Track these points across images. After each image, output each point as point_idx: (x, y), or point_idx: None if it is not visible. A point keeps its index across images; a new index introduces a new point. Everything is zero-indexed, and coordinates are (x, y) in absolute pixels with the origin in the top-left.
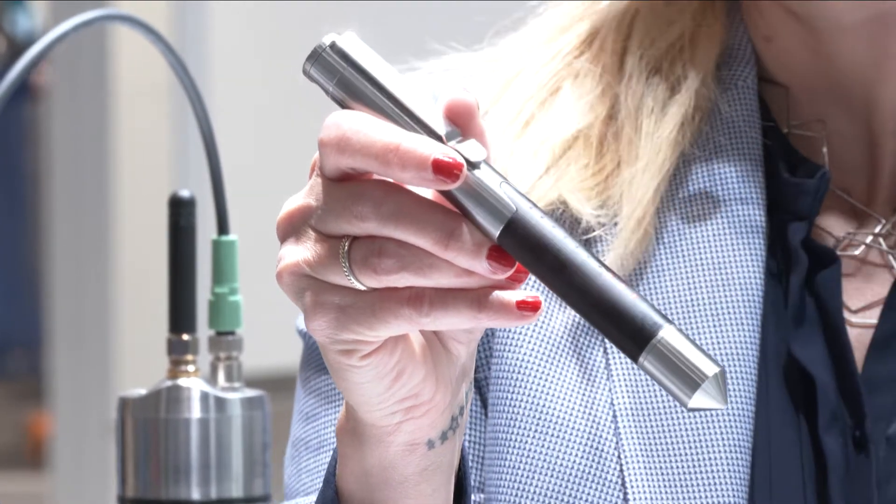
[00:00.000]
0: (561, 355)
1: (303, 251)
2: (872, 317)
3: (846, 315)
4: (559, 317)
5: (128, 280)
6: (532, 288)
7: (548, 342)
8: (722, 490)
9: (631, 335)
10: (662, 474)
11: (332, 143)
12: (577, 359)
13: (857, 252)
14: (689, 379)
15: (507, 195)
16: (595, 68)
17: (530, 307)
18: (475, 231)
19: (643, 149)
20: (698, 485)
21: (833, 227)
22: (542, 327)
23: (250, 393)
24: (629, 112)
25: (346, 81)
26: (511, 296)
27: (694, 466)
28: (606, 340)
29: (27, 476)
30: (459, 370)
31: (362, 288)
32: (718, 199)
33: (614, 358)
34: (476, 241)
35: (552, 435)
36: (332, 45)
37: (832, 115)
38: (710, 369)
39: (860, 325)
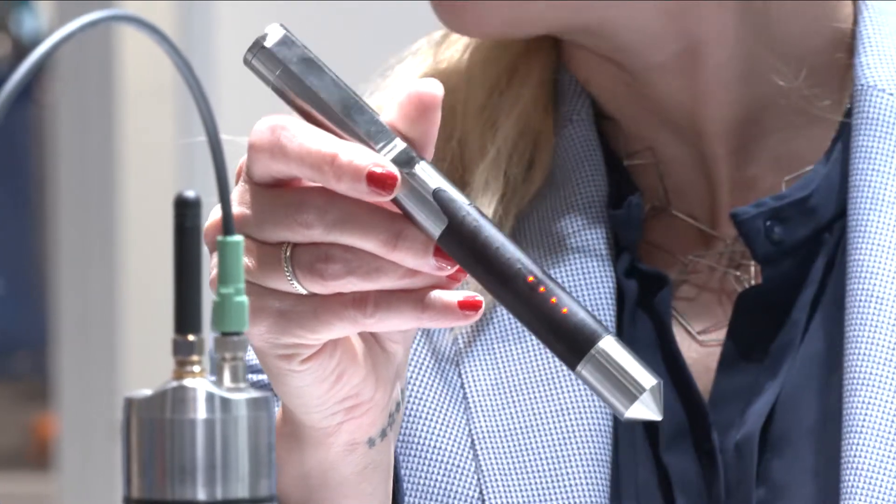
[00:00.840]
0: (425, 378)
1: None
2: (722, 335)
3: (696, 335)
4: (423, 341)
5: (133, 281)
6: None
7: (414, 365)
8: (581, 502)
9: (569, 344)
10: (522, 491)
11: (264, 147)
12: (441, 383)
13: (699, 275)
14: (627, 390)
15: (440, 204)
16: None
17: (472, 307)
18: (419, 231)
19: (476, 184)
20: (558, 498)
21: (678, 250)
22: (411, 349)
23: (256, 394)
24: (456, 154)
25: (287, 75)
26: (453, 296)
27: (554, 481)
28: (460, 368)
29: (33, 477)
30: (395, 368)
31: (303, 292)
32: (565, 232)
33: (469, 385)
34: (422, 241)
35: (413, 455)
36: (271, 41)
37: (664, 143)
38: (647, 381)
39: (709, 343)
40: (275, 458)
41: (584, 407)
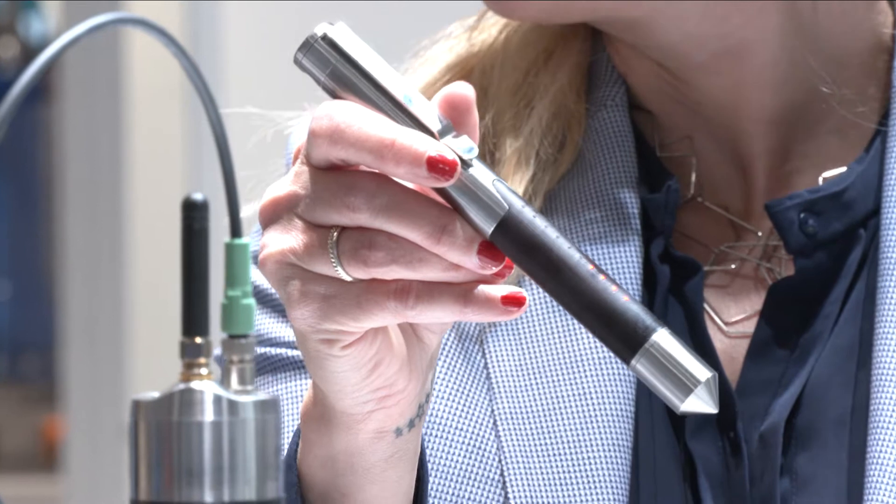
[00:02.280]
0: (448, 359)
1: (288, 240)
2: (749, 327)
3: (722, 325)
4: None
5: (141, 283)
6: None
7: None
8: (601, 487)
9: (623, 338)
10: (543, 473)
11: (324, 133)
12: (464, 363)
13: (733, 266)
14: (682, 384)
15: (500, 193)
16: None
17: (515, 302)
18: (466, 226)
19: (507, 162)
20: (579, 482)
21: (710, 241)
22: None
23: (263, 396)
24: (489, 131)
25: (339, 73)
26: (497, 290)
27: (575, 465)
28: (484, 347)
29: (41, 479)
30: (429, 359)
31: (348, 279)
32: (593, 214)
33: (492, 365)
34: (467, 237)
35: (435, 435)
36: (324, 36)
37: (700, 137)
38: (702, 374)
39: (738, 335)
40: (282, 461)
41: (606, 391)
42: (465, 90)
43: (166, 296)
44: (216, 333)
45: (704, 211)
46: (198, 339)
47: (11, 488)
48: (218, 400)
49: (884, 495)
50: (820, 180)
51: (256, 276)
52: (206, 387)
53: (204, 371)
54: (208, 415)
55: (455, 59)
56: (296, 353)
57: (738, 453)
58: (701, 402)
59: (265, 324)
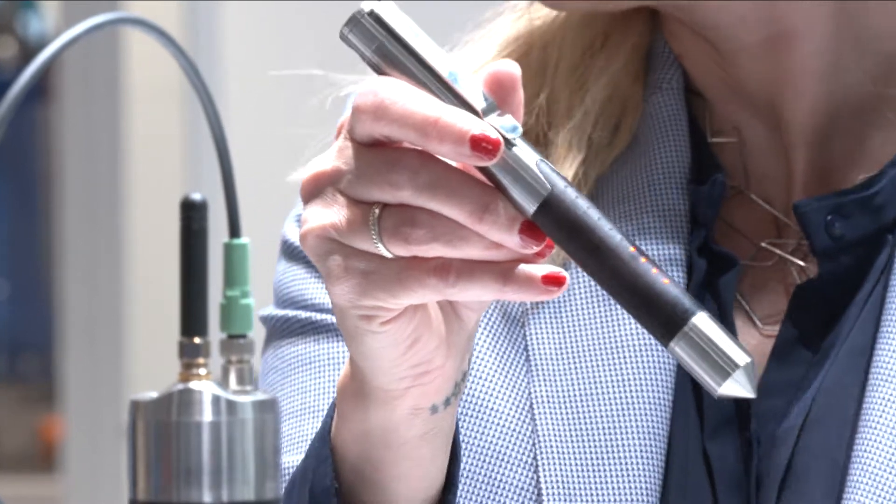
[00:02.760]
0: (490, 338)
1: (330, 215)
2: (779, 326)
3: (758, 322)
4: (494, 302)
5: (140, 283)
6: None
7: (481, 326)
8: (635, 475)
9: (662, 320)
10: (576, 458)
11: (368, 109)
12: (506, 343)
13: (769, 263)
14: (720, 367)
15: (543, 174)
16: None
17: (556, 282)
18: (508, 205)
19: (560, 144)
20: (612, 470)
21: (752, 235)
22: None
23: (262, 396)
24: (542, 110)
25: (385, 49)
26: (538, 270)
27: (608, 452)
28: (525, 329)
29: (39, 479)
30: (467, 337)
31: (389, 255)
32: (644, 200)
33: (533, 347)
34: (509, 216)
35: (471, 415)
36: (371, 12)
37: (748, 126)
38: (741, 358)
39: (767, 333)
40: (281, 461)
41: (645, 379)
42: (511, 68)
43: (165, 296)
44: (215, 334)
45: (749, 203)
46: (196, 339)
47: (9, 488)
48: (217, 400)
49: (861, 495)
50: (859, 178)
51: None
52: (205, 387)
53: (203, 371)
54: (207, 415)
55: (515, 34)
56: None
57: (750, 454)
58: (738, 387)
59: (310, 288)
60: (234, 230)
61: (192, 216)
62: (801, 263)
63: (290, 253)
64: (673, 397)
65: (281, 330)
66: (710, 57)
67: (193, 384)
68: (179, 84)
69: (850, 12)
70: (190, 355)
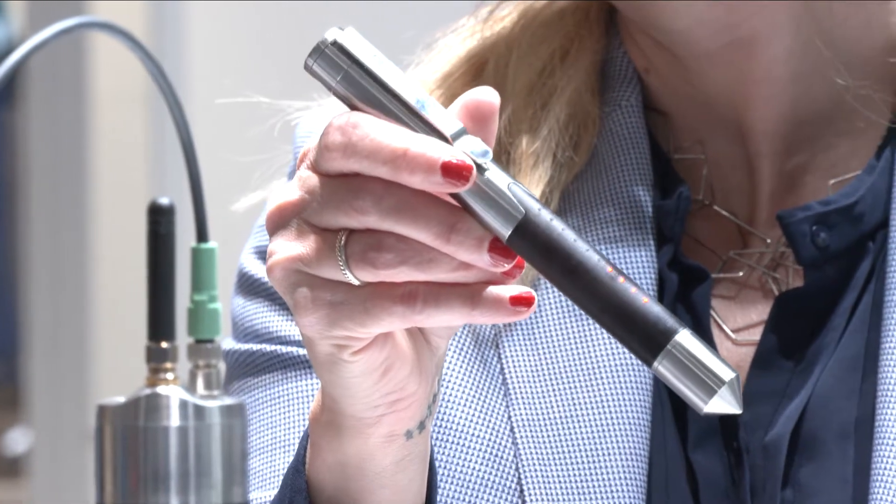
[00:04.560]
0: (464, 363)
1: (296, 246)
2: (755, 336)
3: (730, 333)
4: (464, 325)
5: (106, 287)
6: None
7: (454, 350)
8: (619, 496)
9: (645, 340)
10: (560, 482)
11: (337, 147)
12: (481, 367)
13: (740, 273)
14: (705, 384)
15: (516, 197)
16: None
17: (524, 303)
18: (476, 225)
19: (524, 163)
20: (596, 492)
21: (719, 247)
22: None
23: (229, 401)
24: (505, 130)
25: (350, 78)
26: (505, 291)
27: (592, 474)
28: (500, 351)
29: (4, 484)
30: (437, 361)
31: (356, 283)
32: (608, 217)
33: (509, 370)
34: (477, 235)
35: (452, 442)
36: (335, 42)
37: (711, 139)
38: (726, 374)
39: (744, 342)
40: (248, 466)
41: (624, 399)
42: (490, 97)
43: (131, 300)
44: (182, 338)
45: (714, 216)
46: (163, 344)
47: None
48: (184, 405)
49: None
50: (829, 189)
51: (262, 272)
52: (172, 391)
53: (170, 376)
54: (174, 420)
55: (468, 53)
56: (305, 351)
57: (740, 464)
58: (724, 403)
59: (274, 321)
60: (202, 234)
61: (160, 220)
62: (775, 275)
63: (251, 285)
64: (650, 416)
65: (246, 364)
66: (673, 69)
67: (161, 389)
68: (146, 88)
69: (815, 16)
70: (157, 360)
